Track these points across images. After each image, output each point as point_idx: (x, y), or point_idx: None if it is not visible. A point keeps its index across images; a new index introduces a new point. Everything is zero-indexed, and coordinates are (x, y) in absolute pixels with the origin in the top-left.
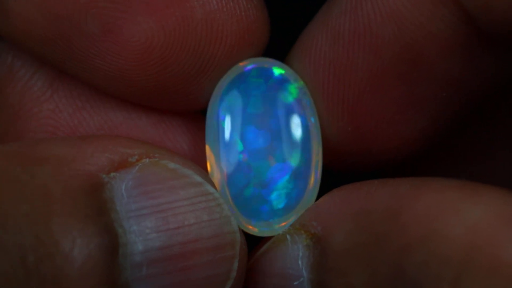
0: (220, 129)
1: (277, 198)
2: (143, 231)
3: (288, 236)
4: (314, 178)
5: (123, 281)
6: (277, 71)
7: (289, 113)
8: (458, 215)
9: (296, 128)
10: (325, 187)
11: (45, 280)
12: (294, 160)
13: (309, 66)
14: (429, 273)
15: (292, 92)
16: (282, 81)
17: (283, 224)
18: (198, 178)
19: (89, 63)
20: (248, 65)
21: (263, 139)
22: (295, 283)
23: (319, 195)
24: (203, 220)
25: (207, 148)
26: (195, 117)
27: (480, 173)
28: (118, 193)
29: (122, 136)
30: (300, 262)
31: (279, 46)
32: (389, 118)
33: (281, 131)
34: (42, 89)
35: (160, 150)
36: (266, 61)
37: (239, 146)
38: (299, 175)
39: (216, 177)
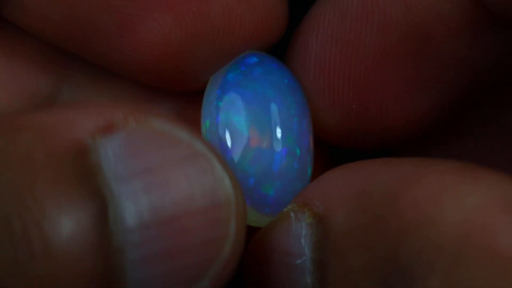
0: None
1: None
2: (133, 194)
3: (292, 214)
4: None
5: (116, 247)
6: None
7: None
8: (455, 201)
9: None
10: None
11: (33, 248)
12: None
13: (316, 42)
14: (422, 261)
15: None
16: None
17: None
18: (187, 137)
19: (107, 56)
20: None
21: None
22: (298, 261)
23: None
24: (194, 180)
25: None
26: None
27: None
28: (105, 156)
29: (107, 101)
30: (302, 240)
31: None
32: (395, 96)
33: None
34: None
35: (148, 111)
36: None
37: None
38: None
39: None
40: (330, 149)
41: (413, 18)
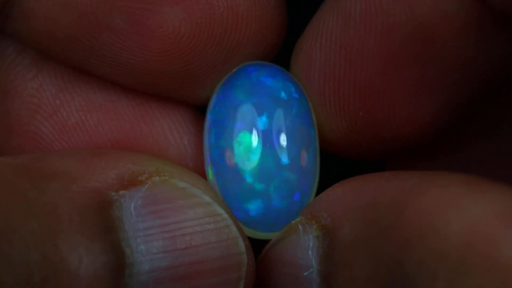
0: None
1: None
2: (150, 251)
3: (300, 226)
4: None
5: None
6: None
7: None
8: (458, 212)
9: None
10: (331, 176)
11: None
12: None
13: (319, 50)
14: (425, 270)
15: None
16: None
17: None
18: (207, 198)
19: (115, 58)
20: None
21: None
22: (305, 273)
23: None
24: (210, 241)
25: None
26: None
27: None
28: (126, 211)
29: (133, 152)
30: (310, 252)
31: (290, 35)
32: (401, 101)
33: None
34: (27, 67)
35: (171, 167)
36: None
37: None
38: None
39: None
40: (336, 162)
41: (417, 18)
